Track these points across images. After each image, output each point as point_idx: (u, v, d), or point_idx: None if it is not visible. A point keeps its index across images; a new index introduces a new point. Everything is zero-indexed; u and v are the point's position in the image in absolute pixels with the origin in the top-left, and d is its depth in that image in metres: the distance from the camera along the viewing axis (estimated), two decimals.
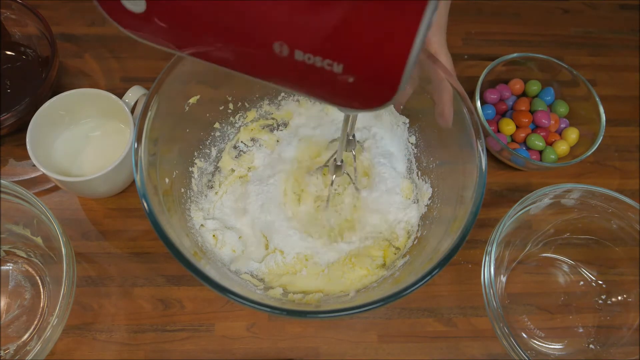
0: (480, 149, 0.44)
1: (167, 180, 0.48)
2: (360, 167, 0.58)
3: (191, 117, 0.52)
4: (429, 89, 0.49)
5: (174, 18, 0.28)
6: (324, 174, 0.57)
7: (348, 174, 0.53)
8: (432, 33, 0.47)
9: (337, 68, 0.27)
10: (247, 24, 0.27)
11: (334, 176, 0.49)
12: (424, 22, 0.24)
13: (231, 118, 0.58)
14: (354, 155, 0.52)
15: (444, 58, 0.47)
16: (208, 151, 0.57)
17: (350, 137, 0.47)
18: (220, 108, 0.56)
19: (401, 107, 0.55)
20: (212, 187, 0.56)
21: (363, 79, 0.28)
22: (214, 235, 0.52)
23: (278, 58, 0.28)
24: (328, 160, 0.49)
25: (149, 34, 0.30)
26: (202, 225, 0.52)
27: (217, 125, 0.57)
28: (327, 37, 0.26)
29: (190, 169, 0.54)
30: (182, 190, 0.52)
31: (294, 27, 0.26)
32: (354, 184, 0.55)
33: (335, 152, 0.48)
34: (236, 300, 0.39)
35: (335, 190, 0.56)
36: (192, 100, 0.51)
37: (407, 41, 0.25)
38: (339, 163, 0.47)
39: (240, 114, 0.59)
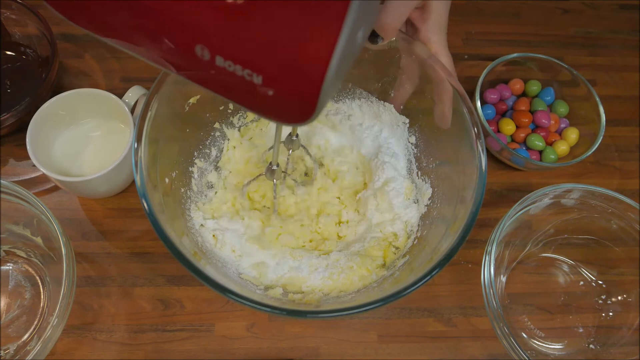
0: (480, 149, 0.44)
1: (166, 180, 0.48)
2: (367, 168, 0.58)
3: (191, 117, 0.52)
4: (429, 89, 0.49)
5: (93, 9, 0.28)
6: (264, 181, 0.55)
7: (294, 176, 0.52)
8: (433, 33, 0.47)
9: (257, 79, 0.26)
10: (168, 25, 0.26)
11: (275, 180, 0.48)
12: (341, 39, 0.23)
13: (231, 118, 0.58)
14: (306, 150, 0.51)
15: (445, 58, 0.47)
16: (208, 151, 0.57)
17: (294, 138, 0.46)
18: (220, 108, 0.56)
19: (401, 107, 0.55)
20: (211, 187, 0.56)
21: (282, 94, 0.27)
22: (213, 235, 0.52)
23: (200, 62, 0.27)
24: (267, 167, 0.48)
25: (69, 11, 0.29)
26: (201, 225, 0.52)
27: (217, 125, 0.57)
28: (246, 45, 0.25)
29: (190, 168, 0.54)
30: (182, 190, 0.52)
31: (214, 32, 0.25)
32: (313, 178, 0.54)
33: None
34: (236, 300, 0.39)
35: (281, 195, 0.55)
36: (192, 100, 0.51)
37: (324, 57, 0.24)
38: (274, 167, 0.46)
39: (240, 114, 0.59)
